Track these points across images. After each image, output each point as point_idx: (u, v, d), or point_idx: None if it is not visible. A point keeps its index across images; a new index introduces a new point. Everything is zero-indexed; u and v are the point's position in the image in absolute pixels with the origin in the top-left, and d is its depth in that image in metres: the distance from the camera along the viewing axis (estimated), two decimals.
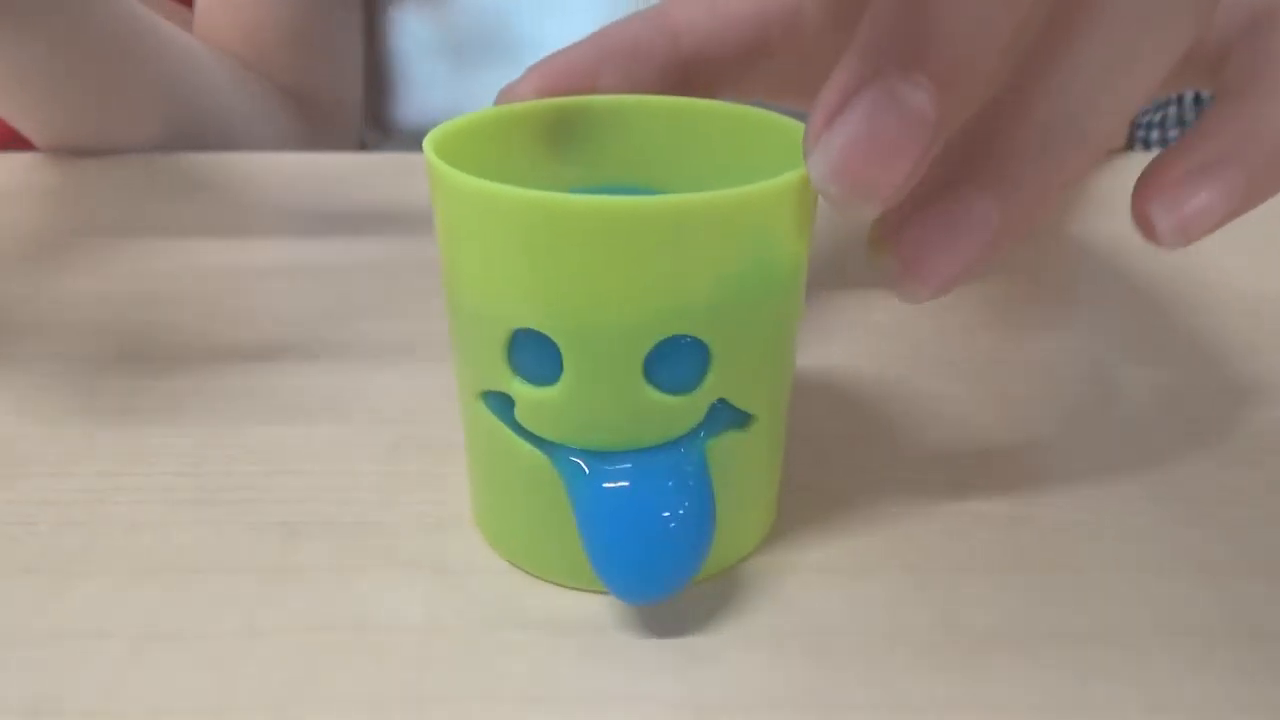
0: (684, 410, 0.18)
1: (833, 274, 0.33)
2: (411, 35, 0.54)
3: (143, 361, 0.28)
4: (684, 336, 0.18)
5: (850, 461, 0.24)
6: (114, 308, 0.31)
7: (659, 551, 0.18)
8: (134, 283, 0.32)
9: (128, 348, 0.28)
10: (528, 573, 0.20)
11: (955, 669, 0.18)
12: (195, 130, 0.45)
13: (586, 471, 0.18)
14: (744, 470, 0.20)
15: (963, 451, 0.24)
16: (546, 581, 0.20)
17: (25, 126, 0.43)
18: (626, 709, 0.17)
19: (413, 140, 0.52)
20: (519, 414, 0.19)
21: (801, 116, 0.18)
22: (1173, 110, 0.80)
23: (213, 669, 0.18)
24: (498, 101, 0.23)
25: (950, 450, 0.24)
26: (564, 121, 0.22)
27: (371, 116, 0.59)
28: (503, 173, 0.18)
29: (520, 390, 0.18)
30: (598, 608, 0.19)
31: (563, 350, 0.18)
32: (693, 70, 0.25)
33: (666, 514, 0.18)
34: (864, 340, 0.29)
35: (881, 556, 0.21)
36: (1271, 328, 0.30)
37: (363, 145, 0.62)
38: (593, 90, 0.23)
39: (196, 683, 0.18)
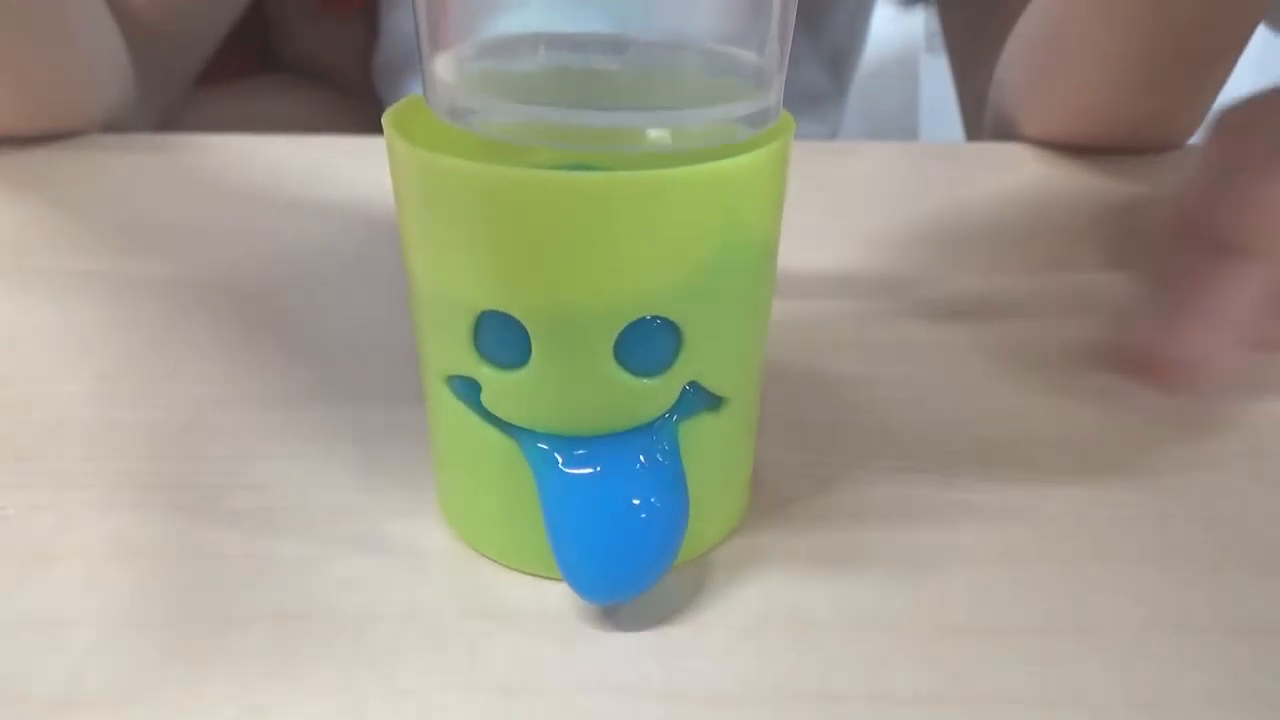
0: (655, 393, 0.18)
1: (817, 262, 0.33)
2: None
3: (115, 344, 0.27)
4: (654, 318, 0.17)
5: (837, 450, 0.23)
6: (87, 291, 0.30)
7: (630, 541, 0.18)
8: (107, 263, 0.32)
9: (100, 331, 0.28)
10: (495, 561, 0.20)
11: (940, 660, 0.18)
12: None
13: (555, 457, 0.18)
14: (717, 453, 0.19)
15: (950, 442, 0.24)
16: (517, 570, 0.20)
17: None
18: (605, 698, 0.17)
19: None
20: (486, 399, 0.18)
21: None
22: None
23: (183, 656, 0.18)
24: None
25: (938, 440, 0.24)
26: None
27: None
28: (468, 149, 0.18)
29: (487, 374, 0.18)
30: (577, 596, 0.19)
31: (531, 333, 0.17)
32: None
33: (637, 502, 0.18)
34: (850, 329, 0.29)
35: (866, 546, 0.21)
36: None
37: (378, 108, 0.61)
38: None
39: (167, 671, 0.17)
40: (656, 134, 0.16)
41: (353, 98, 0.64)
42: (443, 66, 0.17)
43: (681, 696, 0.17)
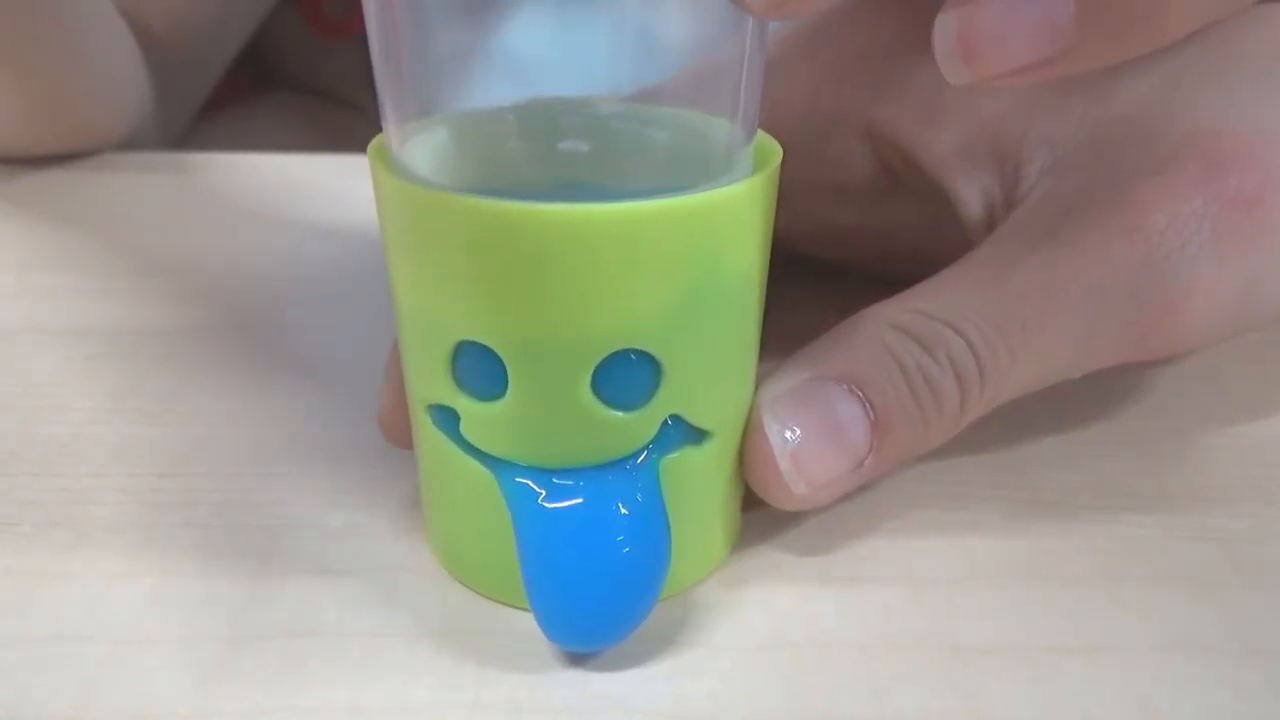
0: (634, 426, 0.18)
1: (815, 279, 0.33)
2: None
3: (127, 362, 0.27)
4: (632, 350, 0.17)
5: None
6: (98, 308, 0.30)
7: (607, 580, 0.17)
8: (119, 281, 0.32)
9: (112, 348, 0.28)
10: (476, 592, 0.20)
11: (948, 680, 0.18)
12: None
13: (531, 491, 0.18)
14: (698, 489, 0.19)
15: (958, 461, 0.24)
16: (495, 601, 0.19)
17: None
18: (614, 718, 0.17)
19: None
20: (464, 429, 0.18)
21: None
22: None
23: (193, 674, 0.18)
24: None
25: (946, 460, 0.24)
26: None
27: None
28: None
29: (465, 405, 0.18)
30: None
31: (507, 364, 0.17)
32: None
33: (621, 538, 0.17)
34: None
35: (875, 566, 0.21)
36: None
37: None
38: None
39: (176, 687, 0.17)
40: None
41: (362, 116, 0.64)
42: (404, 145, 0.18)
43: (690, 717, 0.17)
